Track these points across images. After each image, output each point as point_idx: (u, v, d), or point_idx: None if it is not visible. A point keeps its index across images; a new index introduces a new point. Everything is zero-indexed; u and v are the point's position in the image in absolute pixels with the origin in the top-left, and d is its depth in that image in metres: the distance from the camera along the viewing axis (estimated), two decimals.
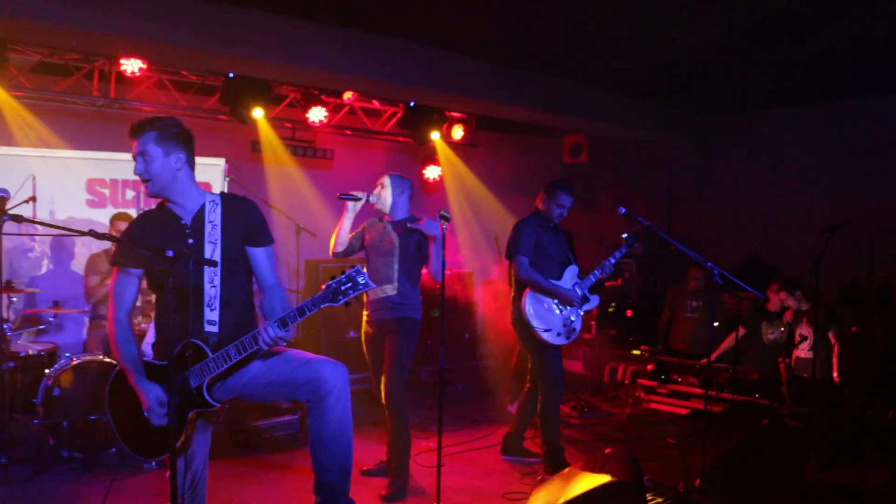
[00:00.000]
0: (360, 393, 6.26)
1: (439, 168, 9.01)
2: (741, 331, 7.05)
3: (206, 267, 3.10)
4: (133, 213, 6.60)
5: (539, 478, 4.99)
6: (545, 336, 5.07)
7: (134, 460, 5.08)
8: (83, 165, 6.97)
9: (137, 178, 3.13)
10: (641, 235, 5.51)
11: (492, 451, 5.80)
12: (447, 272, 4.90)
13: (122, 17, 5.28)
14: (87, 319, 6.37)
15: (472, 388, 8.09)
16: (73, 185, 6.97)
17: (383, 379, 4.81)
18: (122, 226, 5.49)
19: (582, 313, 5.33)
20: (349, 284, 2.97)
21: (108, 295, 3.26)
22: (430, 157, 8.95)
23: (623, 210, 4.96)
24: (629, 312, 8.75)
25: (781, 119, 8.90)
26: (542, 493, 4.22)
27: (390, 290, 4.82)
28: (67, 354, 5.38)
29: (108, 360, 5.30)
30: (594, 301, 5.39)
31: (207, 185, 7.31)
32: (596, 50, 6.82)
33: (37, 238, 6.79)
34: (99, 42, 5.73)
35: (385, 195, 4.92)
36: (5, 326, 5.15)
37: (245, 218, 3.22)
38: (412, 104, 7.91)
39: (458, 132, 8.60)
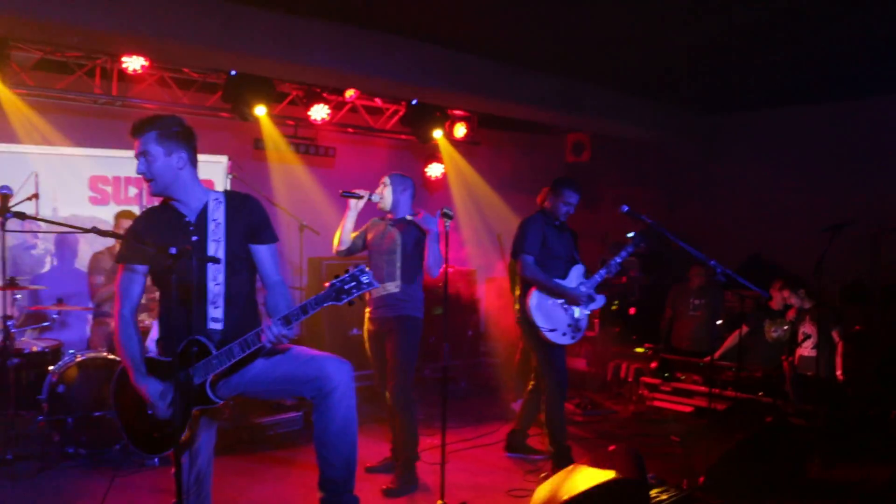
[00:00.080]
0: (364, 390, 6.25)
1: (442, 166, 9.02)
2: (744, 329, 7.05)
3: (210, 264, 3.11)
4: (136, 210, 6.60)
5: (543, 475, 4.98)
6: (550, 336, 5.04)
7: (138, 456, 5.09)
8: (86, 163, 6.97)
9: (140, 176, 3.13)
10: (639, 232, 5.47)
11: (495, 448, 5.81)
12: (450, 270, 4.90)
13: (123, 15, 5.28)
14: (90, 316, 6.37)
15: (476, 385, 8.09)
16: (76, 183, 6.97)
17: (390, 382, 4.82)
18: (127, 224, 5.50)
19: (588, 313, 5.28)
20: (353, 283, 2.98)
21: (113, 293, 3.27)
22: (433, 155, 8.95)
23: (626, 208, 4.95)
24: (632, 310, 8.76)
25: (784, 117, 8.89)
26: (545, 489, 4.22)
27: (393, 287, 4.82)
28: (71, 351, 5.39)
29: (112, 356, 5.31)
30: (600, 301, 5.31)
31: (210, 183, 7.31)
32: (599, 48, 6.82)
33: (40, 235, 6.79)
34: (101, 39, 5.74)
35: (387, 194, 4.93)
36: (9, 323, 5.16)
37: (249, 216, 3.22)
38: (414, 102, 7.91)
39: (460, 130, 8.60)
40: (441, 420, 4.46)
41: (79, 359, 5.24)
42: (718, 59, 7.04)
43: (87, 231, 2.91)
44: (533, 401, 5.52)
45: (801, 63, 7.09)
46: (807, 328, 6.57)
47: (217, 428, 3.44)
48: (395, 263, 4.84)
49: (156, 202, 3.31)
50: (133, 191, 7.21)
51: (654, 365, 7.46)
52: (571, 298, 5.12)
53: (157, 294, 3.33)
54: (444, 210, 4.45)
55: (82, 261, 6.75)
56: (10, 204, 5.02)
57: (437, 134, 8.22)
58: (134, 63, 6.22)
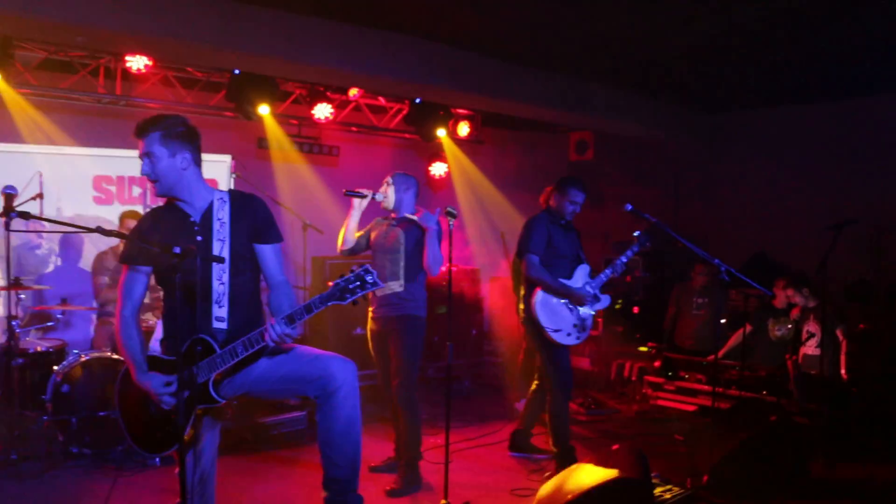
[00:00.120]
0: (368, 389, 6.25)
1: (445, 165, 9.02)
2: (748, 328, 7.05)
3: (214, 264, 3.12)
4: (140, 210, 6.61)
5: (546, 474, 4.98)
6: (555, 336, 4.99)
7: (141, 456, 5.10)
8: (89, 162, 6.97)
9: (144, 177, 3.14)
10: (645, 232, 5.44)
11: (499, 447, 5.80)
12: (454, 269, 4.89)
13: (127, 14, 5.28)
14: (94, 316, 6.39)
15: (479, 384, 8.09)
16: (80, 182, 6.97)
17: (393, 381, 4.82)
18: (132, 224, 5.51)
19: (593, 313, 5.23)
20: (358, 283, 2.98)
21: (117, 292, 3.28)
22: (437, 154, 8.95)
23: (629, 207, 4.94)
24: (636, 309, 8.74)
25: (787, 116, 8.87)
26: (549, 488, 4.22)
27: (397, 286, 4.83)
28: (76, 351, 5.39)
29: (115, 356, 5.32)
30: (605, 301, 5.26)
31: (214, 182, 7.31)
32: (602, 47, 6.81)
33: (44, 235, 6.80)
34: (104, 39, 5.75)
35: (390, 193, 4.93)
36: (14, 323, 5.17)
37: (254, 215, 3.23)
38: (418, 101, 7.91)
39: (463, 129, 8.60)
40: (445, 419, 4.46)
41: (83, 359, 5.25)
42: (721, 58, 7.02)
43: (91, 231, 2.90)
44: (537, 400, 5.51)
45: (803, 62, 7.08)
46: (811, 327, 6.55)
47: (221, 428, 3.45)
48: (399, 263, 4.84)
49: (160, 202, 3.32)
50: (137, 190, 7.21)
51: (657, 364, 7.45)
52: (576, 298, 5.08)
53: (162, 293, 3.34)
54: (448, 209, 4.45)
55: (87, 261, 6.76)
56: (15, 204, 5.03)
57: (441, 133, 8.23)
58: (137, 62, 6.23)
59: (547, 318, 5.01)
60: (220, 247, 3.14)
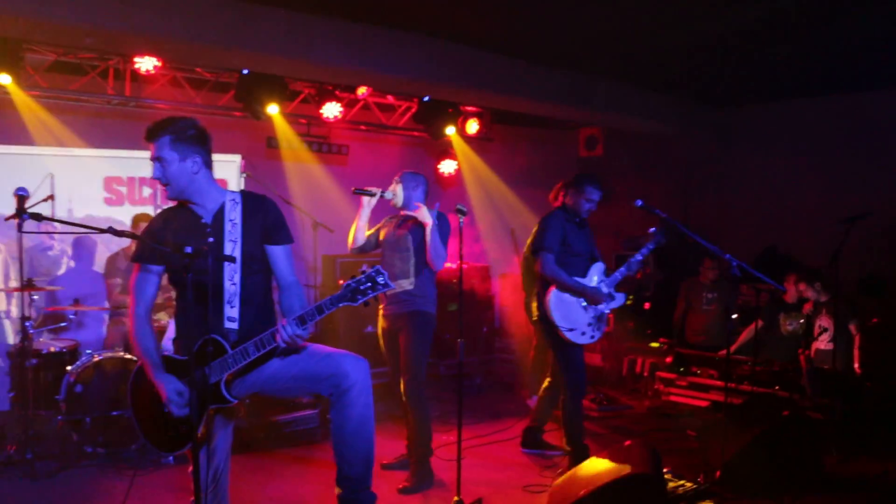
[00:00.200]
0: (380, 387, 6.26)
1: (454, 162, 9.01)
2: (759, 323, 7.02)
3: (226, 264, 3.13)
4: (151, 211, 6.64)
5: (559, 471, 4.98)
6: (569, 335, 4.94)
7: (155, 455, 5.14)
8: (100, 164, 7.00)
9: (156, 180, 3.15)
10: (660, 228, 5.37)
11: (511, 444, 5.80)
12: (465, 266, 4.89)
13: (135, 15, 5.30)
14: (106, 316, 6.43)
15: (491, 381, 8.09)
16: (91, 184, 7.00)
17: (402, 377, 4.83)
18: (144, 226, 5.53)
19: (607, 312, 5.17)
20: (369, 284, 2.99)
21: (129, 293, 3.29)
22: (446, 152, 8.94)
23: (640, 203, 4.91)
24: (647, 305, 8.72)
25: (799, 110, 8.81)
26: (561, 484, 4.22)
27: (406, 284, 4.84)
28: (88, 351, 5.43)
29: (128, 356, 5.36)
30: (620, 299, 5.20)
31: (224, 182, 7.33)
32: (611, 42, 6.79)
33: (56, 237, 6.84)
34: (113, 40, 5.76)
35: (399, 191, 4.94)
36: (28, 324, 5.21)
37: (265, 216, 3.23)
38: (426, 99, 7.91)
39: (472, 126, 8.58)
40: (457, 416, 4.47)
41: (96, 359, 5.29)
42: (731, 52, 6.98)
43: (103, 231, 2.92)
44: (549, 397, 5.50)
45: (815, 54, 7.03)
46: (823, 321, 6.52)
47: (234, 426, 3.46)
48: (409, 260, 4.85)
49: (171, 203, 3.33)
50: (147, 191, 7.24)
51: (669, 360, 7.43)
52: (591, 297, 5.02)
53: (173, 293, 3.35)
54: (458, 206, 4.45)
55: (99, 262, 6.79)
56: (27, 205, 5.05)
57: (450, 130, 8.22)
58: (146, 63, 6.24)
59: (561, 316, 4.96)
60: (232, 247, 3.15)
